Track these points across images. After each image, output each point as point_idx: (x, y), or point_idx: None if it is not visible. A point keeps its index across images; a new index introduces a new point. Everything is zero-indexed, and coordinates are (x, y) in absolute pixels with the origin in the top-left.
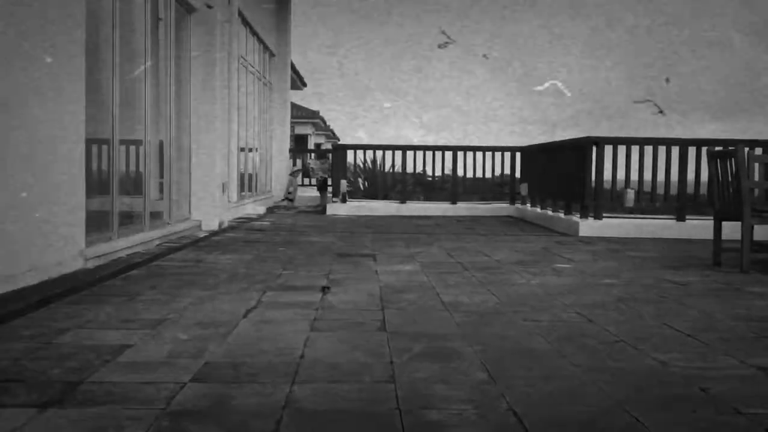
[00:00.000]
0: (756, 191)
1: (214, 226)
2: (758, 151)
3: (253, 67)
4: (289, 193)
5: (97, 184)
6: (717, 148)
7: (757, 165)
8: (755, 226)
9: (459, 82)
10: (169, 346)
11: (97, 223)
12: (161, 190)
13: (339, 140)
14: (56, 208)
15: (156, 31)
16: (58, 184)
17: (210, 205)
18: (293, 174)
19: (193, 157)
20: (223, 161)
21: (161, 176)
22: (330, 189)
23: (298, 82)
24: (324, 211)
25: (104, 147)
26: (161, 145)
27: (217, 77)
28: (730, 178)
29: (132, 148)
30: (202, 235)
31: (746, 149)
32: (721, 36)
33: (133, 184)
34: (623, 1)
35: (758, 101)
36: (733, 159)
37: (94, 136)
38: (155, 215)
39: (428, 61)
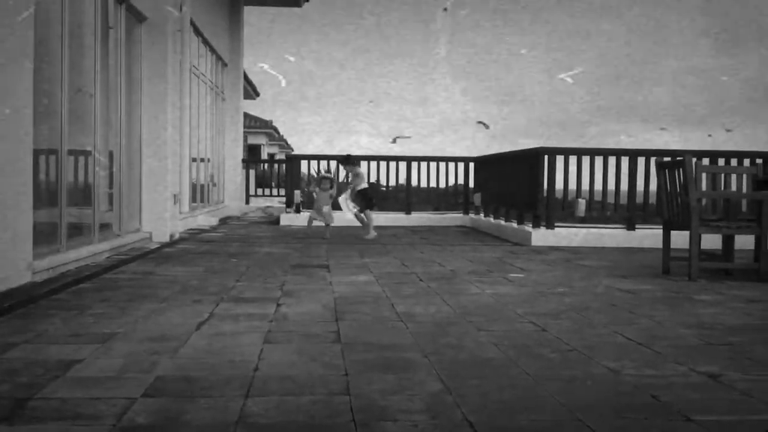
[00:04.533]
0: (703, 201)
1: (166, 238)
2: (705, 161)
3: (205, 76)
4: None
5: (45, 195)
6: (665, 159)
7: (704, 175)
8: (703, 235)
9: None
10: (119, 361)
11: (45, 235)
12: (111, 201)
13: (293, 150)
14: (2, 219)
15: (106, 40)
16: (4, 195)
17: (161, 216)
18: (321, 184)
19: (144, 168)
20: (175, 172)
21: (111, 187)
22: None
23: (250, 91)
24: (278, 221)
25: (52, 157)
26: (111, 155)
27: (168, 86)
28: (678, 189)
29: (81, 158)
30: (153, 246)
31: (693, 160)
32: (684, 42)
33: (82, 195)
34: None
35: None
36: (681, 169)
37: (42, 145)
38: (105, 227)
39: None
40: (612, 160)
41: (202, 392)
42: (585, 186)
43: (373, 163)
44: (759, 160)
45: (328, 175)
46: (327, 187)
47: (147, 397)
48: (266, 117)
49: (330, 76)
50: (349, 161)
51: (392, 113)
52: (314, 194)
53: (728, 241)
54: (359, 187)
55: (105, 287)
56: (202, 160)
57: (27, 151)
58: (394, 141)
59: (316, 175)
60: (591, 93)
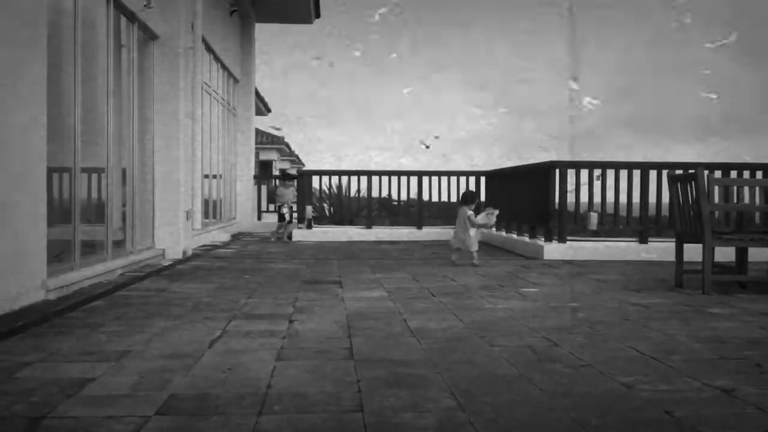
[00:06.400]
0: (716, 214)
1: (178, 255)
2: (717, 173)
3: (216, 93)
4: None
5: (58, 213)
6: (677, 172)
7: (717, 188)
8: (716, 248)
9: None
10: (133, 379)
11: (58, 253)
12: (124, 219)
13: (304, 166)
14: (17, 238)
15: (119, 58)
16: (19, 213)
17: (174, 233)
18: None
19: (157, 185)
20: (187, 188)
21: (124, 204)
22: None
23: (262, 107)
24: (290, 237)
25: (65, 175)
26: (124, 172)
27: (180, 104)
28: (690, 202)
29: (94, 175)
30: (165, 263)
31: (706, 172)
32: (695, 55)
33: (95, 213)
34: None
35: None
36: (693, 182)
37: (56, 164)
38: (118, 244)
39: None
40: (624, 173)
41: (215, 410)
42: (597, 199)
43: (385, 178)
44: None
45: (474, 193)
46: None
47: (161, 415)
48: (278, 133)
49: (342, 92)
50: (289, 178)
51: (406, 128)
52: (468, 220)
53: (741, 253)
54: (282, 202)
55: (118, 305)
56: (215, 176)
57: (41, 169)
58: (427, 147)
59: (328, 190)
60: (607, 105)
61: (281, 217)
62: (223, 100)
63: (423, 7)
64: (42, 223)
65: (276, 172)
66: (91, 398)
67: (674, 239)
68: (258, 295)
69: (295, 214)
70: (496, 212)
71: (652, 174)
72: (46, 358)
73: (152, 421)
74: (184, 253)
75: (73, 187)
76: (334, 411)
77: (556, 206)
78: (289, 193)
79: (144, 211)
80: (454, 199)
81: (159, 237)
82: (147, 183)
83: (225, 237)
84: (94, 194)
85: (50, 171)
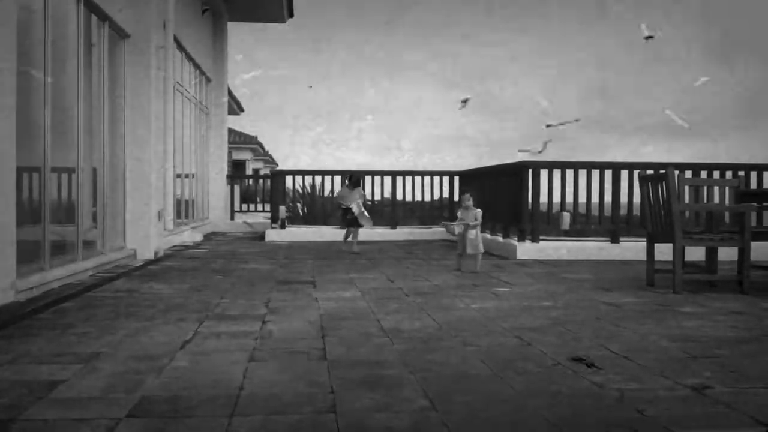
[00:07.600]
0: (687, 213)
1: (150, 255)
2: (688, 174)
3: (189, 92)
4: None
5: (28, 213)
6: (648, 172)
7: (687, 188)
8: (686, 248)
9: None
10: (103, 381)
11: (28, 254)
12: (95, 219)
13: (278, 165)
14: None
15: (89, 57)
16: None
17: (145, 233)
18: (464, 203)
19: (128, 185)
20: (159, 188)
21: (94, 204)
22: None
23: (235, 107)
24: (263, 237)
25: (35, 175)
26: (95, 172)
27: (152, 103)
28: (661, 201)
29: (64, 175)
30: (137, 264)
31: (676, 173)
32: (672, 53)
33: (66, 213)
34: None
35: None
36: (664, 182)
37: (25, 163)
38: (88, 244)
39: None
40: (596, 173)
41: (186, 412)
42: (569, 199)
43: None
44: (741, 173)
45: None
46: (470, 204)
47: (131, 418)
48: (251, 132)
49: (316, 91)
50: (354, 179)
51: (379, 128)
52: (456, 222)
53: (711, 253)
54: (344, 205)
55: (89, 306)
56: (187, 176)
57: (9, 169)
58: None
59: (301, 190)
60: (581, 105)
61: (349, 222)
62: (196, 99)
63: None
64: (11, 225)
65: (249, 172)
66: (62, 401)
67: (645, 239)
68: (231, 296)
69: (367, 216)
70: (457, 224)
71: (624, 174)
72: (15, 360)
73: (123, 424)
74: (156, 253)
75: (42, 187)
76: (308, 412)
77: (529, 206)
78: (355, 194)
79: (115, 212)
80: (428, 198)
81: (130, 237)
82: (118, 183)
83: (198, 237)
84: (64, 194)
85: (19, 171)
